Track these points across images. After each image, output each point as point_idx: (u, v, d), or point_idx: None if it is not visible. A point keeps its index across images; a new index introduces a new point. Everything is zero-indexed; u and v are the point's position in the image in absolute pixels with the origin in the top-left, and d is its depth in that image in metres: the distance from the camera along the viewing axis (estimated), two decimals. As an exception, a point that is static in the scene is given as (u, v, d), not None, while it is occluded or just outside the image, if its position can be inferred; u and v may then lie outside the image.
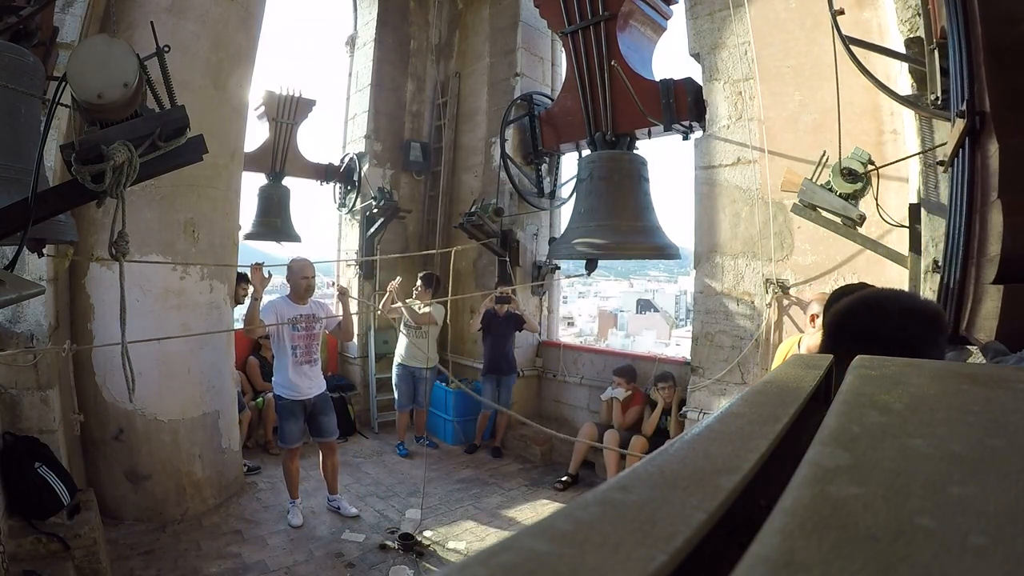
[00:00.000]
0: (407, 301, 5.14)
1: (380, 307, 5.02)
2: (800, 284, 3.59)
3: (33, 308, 3.10)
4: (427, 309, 5.19)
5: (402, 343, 5.26)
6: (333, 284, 4.17)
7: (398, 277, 5.10)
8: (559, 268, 5.88)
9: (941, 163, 1.81)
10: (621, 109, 3.82)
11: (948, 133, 2.40)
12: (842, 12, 2.40)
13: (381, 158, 6.46)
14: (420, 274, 5.25)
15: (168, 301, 3.79)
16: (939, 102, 2.20)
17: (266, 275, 3.63)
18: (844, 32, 2.41)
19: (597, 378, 5.31)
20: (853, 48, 2.39)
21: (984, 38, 1.23)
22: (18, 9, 1.62)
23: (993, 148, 1.17)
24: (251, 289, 3.64)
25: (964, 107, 1.32)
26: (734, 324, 3.93)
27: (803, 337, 3.06)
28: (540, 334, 5.94)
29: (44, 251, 1.78)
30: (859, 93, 3.11)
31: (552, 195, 5.75)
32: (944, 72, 2.17)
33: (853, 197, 2.98)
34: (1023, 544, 0.21)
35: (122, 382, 1.62)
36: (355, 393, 6.15)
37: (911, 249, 2.76)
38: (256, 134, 7.32)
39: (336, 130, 7.01)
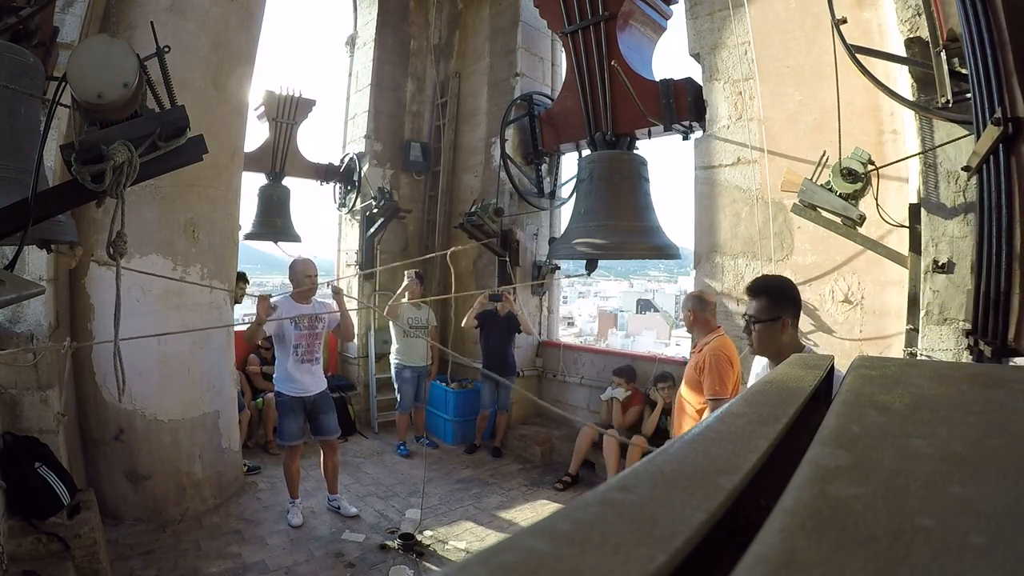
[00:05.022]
0: (402, 300, 5.13)
1: (390, 304, 5.02)
2: (800, 284, 3.58)
3: (33, 308, 3.10)
4: (418, 311, 5.22)
5: (404, 344, 5.23)
6: (330, 284, 4.16)
7: (413, 271, 5.12)
8: (559, 268, 5.88)
9: (967, 168, 1.80)
10: (621, 109, 3.82)
11: (949, 134, 2.41)
12: (844, 21, 2.40)
13: (381, 158, 6.46)
14: (414, 271, 5.20)
15: (168, 301, 3.79)
16: (950, 104, 2.20)
17: (272, 306, 3.57)
18: (845, 33, 2.41)
19: (597, 378, 5.31)
20: (858, 55, 2.38)
21: (1013, 45, 1.23)
22: (18, 9, 1.62)
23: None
24: (243, 290, 3.63)
25: (998, 114, 1.32)
26: (734, 324, 3.93)
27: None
28: (540, 334, 5.94)
29: (53, 247, 1.77)
30: (859, 93, 3.11)
31: (552, 195, 5.75)
32: (953, 75, 2.17)
33: (853, 197, 2.99)
34: (1023, 544, 0.21)
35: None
36: (355, 393, 6.15)
37: (911, 249, 2.77)
38: (256, 134, 7.34)
39: (336, 130, 7.04)
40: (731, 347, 2.95)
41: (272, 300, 3.59)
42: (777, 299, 1.93)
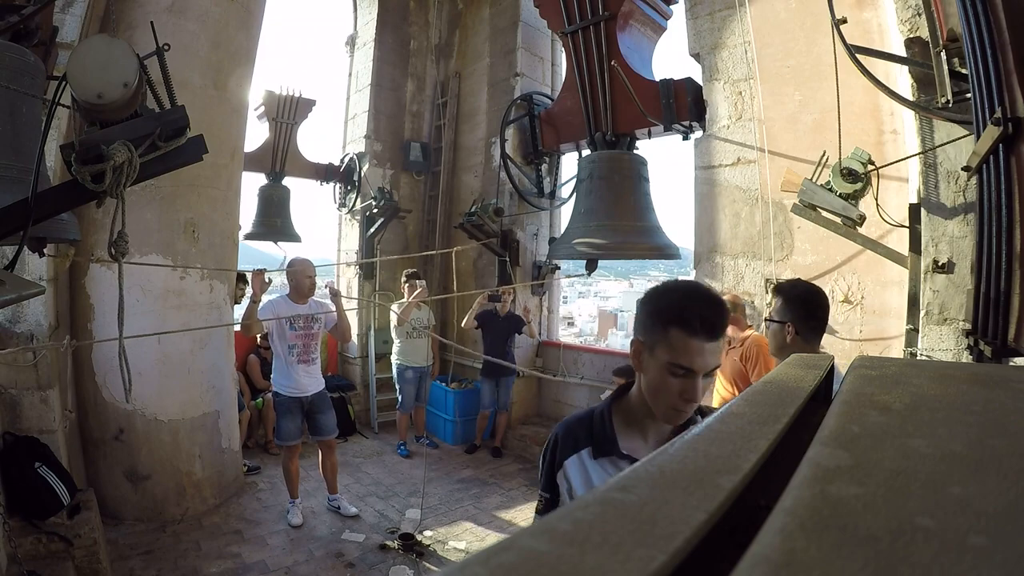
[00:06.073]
0: (404, 301, 5.12)
1: (403, 311, 4.95)
2: (800, 284, 3.59)
3: (33, 308, 3.10)
4: (419, 311, 5.22)
5: (406, 344, 5.21)
6: (327, 285, 4.17)
7: (412, 270, 5.11)
8: (559, 268, 5.88)
9: (967, 168, 1.80)
10: (621, 109, 3.81)
11: (949, 134, 2.41)
12: (844, 21, 2.40)
13: (381, 158, 6.46)
14: (412, 271, 5.19)
15: (168, 301, 3.79)
16: (950, 104, 2.20)
17: (267, 280, 3.63)
18: (845, 33, 2.41)
19: (597, 378, 5.31)
20: (858, 55, 2.38)
21: (1013, 45, 1.23)
22: (19, 8, 1.62)
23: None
24: (249, 290, 3.67)
25: (998, 114, 1.32)
26: (734, 324, 3.93)
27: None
28: (540, 334, 5.94)
29: (45, 251, 1.77)
30: (859, 93, 3.11)
31: (552, 195, 5.75)
32: (953, 75, 2.17)
33: (853, 197, 2.98)
34: (1023, 544, 0.21)
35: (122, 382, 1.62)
36: (355, 393, 6.15)
37: (911, 249, 2.76)
38: (256, 134, 7.33)
39: (336, 130, 7.04)
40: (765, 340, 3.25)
41: (267, 275, 3.63)
42: (787, 303, 1.93)
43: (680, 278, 1.14)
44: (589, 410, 1.24)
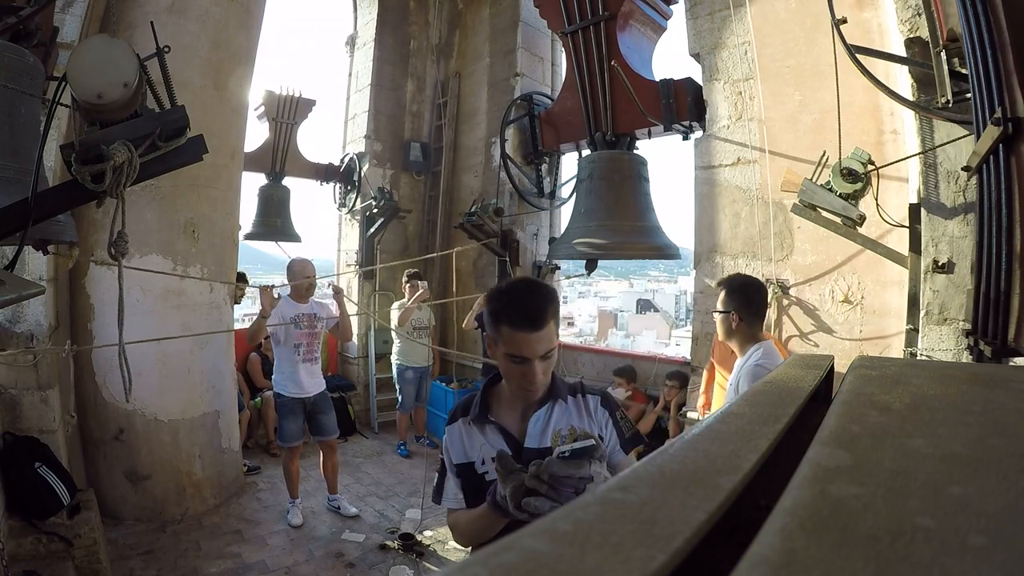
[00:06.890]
0: (404, 302, 5.12)
1: (403, 314, 4.93)
2: (800, 284, 3.59)
3: (33, 308, 3.10)
4: (419, 312, 5.21)
5: (407, 345, 5.20)
6: (331, 284, 4.17)
7: (413, 270, 5.11)
8: (559, 268, 5.88)
9: (967, 168, 1.81)
10: (621, 109, 3.81)
11: (949, 134, 2.41)
12: (844, 21, 2.40)
13: (381, 158, 6.46)
14: (414, 271, 5.19)
15: (168, 301, 3.79)
16: (950, 104, 2.20)
17: (276, 296, 3.58)
18: (845, 33, 2.41)
19: (597, 378, 5.31)
20: (858, 55, 2.38)
21: (1013, 45, 1.23)
22: (18, 9, 1.62)
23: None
24: (249, 289, 3.66)
25: (998, 114, 1.32)
26: (734, 324, 3.92)
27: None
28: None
29: (49, 249, 1.77)
30: (859, 93, 3.11)
31: (552, 195, 5.75)
32: (953, 75, 2.18)
33: (853, 197, 2.99)
34: (1023, 544, 0.21)
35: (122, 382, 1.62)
36: (355, 393, 6.15)
37: (911, 249, 2.76)
38: (256, 134, 7.33)
39: (336, 130, 7.05)
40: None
41: (275, 291, 3.60)
42: (729, 294, 2.16)
43: (517, 277, 1.35)
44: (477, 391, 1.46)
